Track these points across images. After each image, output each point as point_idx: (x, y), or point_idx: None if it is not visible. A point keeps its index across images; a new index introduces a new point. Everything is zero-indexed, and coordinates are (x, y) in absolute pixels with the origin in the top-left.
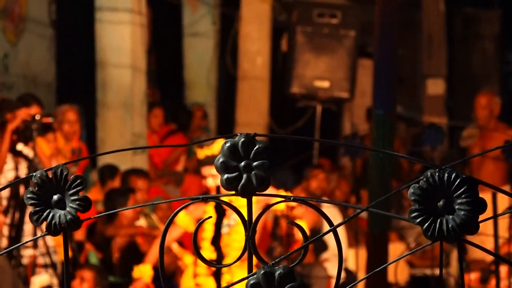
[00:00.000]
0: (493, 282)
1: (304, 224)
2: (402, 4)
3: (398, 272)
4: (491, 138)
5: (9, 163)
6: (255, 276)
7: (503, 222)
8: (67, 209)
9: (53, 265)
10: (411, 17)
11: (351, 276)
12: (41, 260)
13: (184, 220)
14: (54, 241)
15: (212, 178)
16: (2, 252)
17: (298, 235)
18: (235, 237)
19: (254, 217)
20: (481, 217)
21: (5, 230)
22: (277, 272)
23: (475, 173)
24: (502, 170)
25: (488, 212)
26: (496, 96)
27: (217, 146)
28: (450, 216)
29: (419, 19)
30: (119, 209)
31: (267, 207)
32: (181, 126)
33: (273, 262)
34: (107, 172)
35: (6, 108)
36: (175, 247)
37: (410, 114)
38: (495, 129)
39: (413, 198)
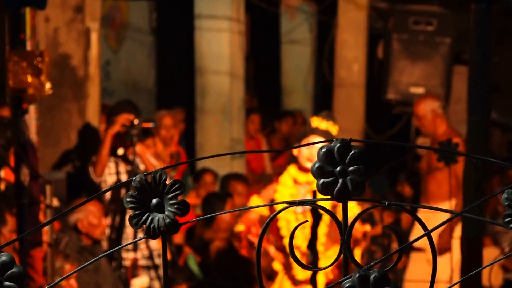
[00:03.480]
0: None
1: None
2: (498, 12)
3: (492, 276)
4: None
5: (111, 168)
6: (350, 279)
7: None
8: (166, 212)
9: (155, 268)
10: (507, 25)
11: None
12: (143, 263)
13: (257, 204)
14: (157, 244)
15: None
16: (103, 254)
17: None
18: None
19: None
20: None
21: (106, 232)
22: (372, 276)
23: None
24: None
25: None
26: None
27: (329, 125)
28: None
29: None
30: (217, 213)
31: (362, 211)
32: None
33: (367, 265)
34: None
35: (108, 114)
36: (272, 250)
37: (506, 120)
38: None
39: (507, 203)
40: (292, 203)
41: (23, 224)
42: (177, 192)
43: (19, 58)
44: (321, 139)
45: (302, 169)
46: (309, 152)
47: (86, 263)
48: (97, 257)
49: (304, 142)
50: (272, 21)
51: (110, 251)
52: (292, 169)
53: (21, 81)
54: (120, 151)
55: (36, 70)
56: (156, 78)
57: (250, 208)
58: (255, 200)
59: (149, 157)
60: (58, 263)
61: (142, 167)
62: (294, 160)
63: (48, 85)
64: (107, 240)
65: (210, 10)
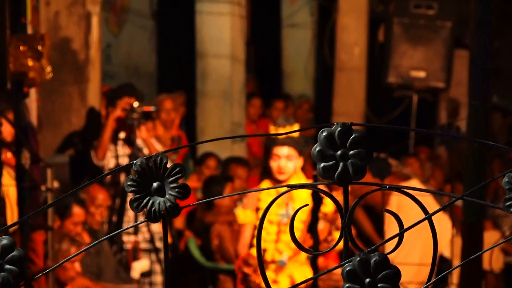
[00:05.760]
0: None
1: None
2: None
3: (493, 260)
4: None
5: (113, 151)
6: (351, 263)
7: None
8: (167, 196)
9: (156, 251)
10: (508, 9)
11: (447, 264)
12: (144, 246)
13: (244, 216)
14: (159, 228)
15: (285, 159)
16: (105, 237)
17: None
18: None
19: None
20: None
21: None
22: (373, 259)
23: None
24: None
25: None
26: None
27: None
28: None
29: None
30: (217, 197)
31: (363, 195)
32: None
33: (368, 249)
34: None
35: (109, 98)
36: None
37: (506, 104)
38: None
39: (507, 187)
40: (293, 187)
41: (24, 208)
42: (177, 176)
43: (20, 42)
44: (285, 148)
45: (276, 181)
46: (278, 166)
47: (86, 247)
48: (98, 240)
49: (271, 154)
50: (273, 4)
51: (112, 234)
52: (266, 184)
53: (22, 64)
54: (122, 135)
55: (36, 53)
56: (157, 62)
57: (250, 191)
58: (240, 213)
59: (154, 142)
60: (65, 246)
61: (146, 151)
62: (268, 174)
63: (48, 69)
64: (108, 223)
65: None
